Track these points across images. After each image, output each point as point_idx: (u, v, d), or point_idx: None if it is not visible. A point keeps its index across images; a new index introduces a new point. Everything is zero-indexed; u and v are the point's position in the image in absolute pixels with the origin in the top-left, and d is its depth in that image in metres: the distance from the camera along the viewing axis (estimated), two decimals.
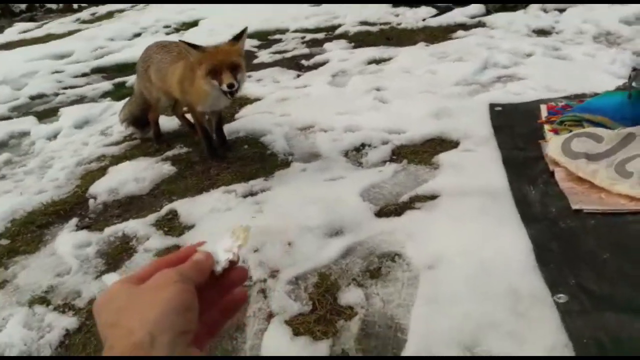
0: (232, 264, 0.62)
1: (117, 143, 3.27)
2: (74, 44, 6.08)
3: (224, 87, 2.38)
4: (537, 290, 1.61)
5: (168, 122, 3.34)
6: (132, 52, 5.42)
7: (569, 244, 1.78)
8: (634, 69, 2.46)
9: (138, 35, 6.28)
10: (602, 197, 1.98)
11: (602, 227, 1.83)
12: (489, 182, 2.21)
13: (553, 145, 2.27)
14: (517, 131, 2.59)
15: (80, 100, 4.34)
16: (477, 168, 2.33)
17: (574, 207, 1.95)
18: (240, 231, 0.66)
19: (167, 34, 6.23)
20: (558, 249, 1.76)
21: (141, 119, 3.17)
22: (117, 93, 4.34)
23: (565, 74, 3.23)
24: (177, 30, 6.37)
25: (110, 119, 3.70)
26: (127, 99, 3.38)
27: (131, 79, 4.59)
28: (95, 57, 5.48)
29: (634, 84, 2.46)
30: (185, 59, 2.59)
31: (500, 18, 4.72)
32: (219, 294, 0.62)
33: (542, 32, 4.27)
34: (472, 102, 3.04)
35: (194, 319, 0.53)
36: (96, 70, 5.10)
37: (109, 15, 8.25)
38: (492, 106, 2.91)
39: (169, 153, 3.00)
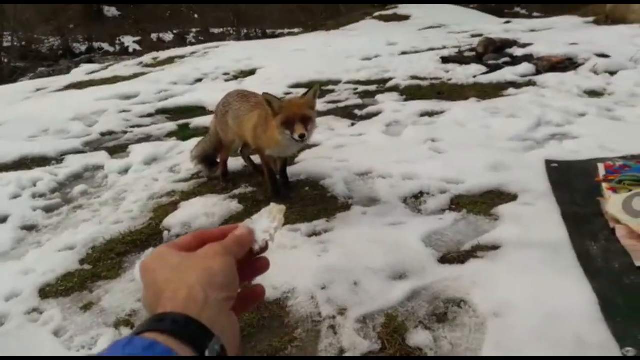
0: (267, 244, 0.69)
1: (185, 180, 3.49)
2: (139, 86, 6.53)
3: (296, 136, 2.59)
4: (604, 342, 1.66)
5: (233, 163, 3.55)
6: (194, 96, 5.82)
7: (635, 298, 1.82)
8: None
9: (199, 80, 6.70)
10: None
11: None
12: (550, 235, 2.28)
13: (613, 204, 2.34)
14: (575, 187, 2.67)
15: (147, 138, 4.64)
16: (537, 221, 2.41)
17: (638, 264, 1.99)
18: (276, 211, 0.71)
19: (227, 80, 6.62)
20: (624, 304, 1.81)
21: (211, 158, 3.40)
22: (182, 133, 4.64)
23: (621, 135, 3.31)
24: (235, 77, 6.76)
25: (177, 157, 3.96)
26: (198, 138, 3.64)
27: (194, 121, 4.91)
28: (159, 99, 5.87)
29: None
30: (261, 108, 2.81)
31: (550, 78, 4.86)
32: (243, 276, 0.68)
33: (593, 93, 4.37)
34: (528, 157, 3.14)
35: (235, 288, 0.62)
36: (161, 111, 5.47)
37: (170, 60, 8.81)
38: (548, 162, 3.00)
39: (236, 192, 3.18)
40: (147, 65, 8.70)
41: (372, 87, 5.58)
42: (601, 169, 2.77)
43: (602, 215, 2.38)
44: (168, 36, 22.40)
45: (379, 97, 5.11)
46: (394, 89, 5.38)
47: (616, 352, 1.62)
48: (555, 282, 1.97)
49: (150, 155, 4.04)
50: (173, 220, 2.87)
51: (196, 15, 24.11)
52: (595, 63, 5.02)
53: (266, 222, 0.70)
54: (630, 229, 2.20)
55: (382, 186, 3.02)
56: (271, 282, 2.18)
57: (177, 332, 0.53)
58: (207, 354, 0.53)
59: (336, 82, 5.99)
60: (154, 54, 9.71)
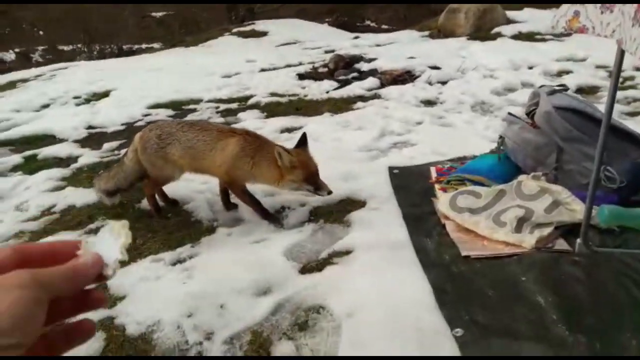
0: (121, 264, 0.60)
1: (35, 218, 3.26)
2: None
3: (324, 193, 2.78)
4: (438, 326, 1.93)
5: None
6: (41, 123, 5.40)
7: (461, 284, 2.14)
8: (501, 137, 3.00)
9: (46, 106, 6.22)
10: (484, 244, 2.40)
11: (486, 268, 2.22)
12: (394, 235, 2.56)
13: (442, 202, 2.70)
14: (413, 190, 3.02)
15: None
16: (383, 223, 2.69)
17: (463, 253, 2.34)
18: (119, 227, 0.62)
19: (77, 105, 6.23)
20: (452, 290, 2.11)
21: (119, 190, 3.17)
22: (29, 166, 4.29)
23: (449, 140, 3.79)
24: (87, 100, 6.39)
25: (24, 193, 3.67)
26: (48, 170, 3.39)
27: (43, 151, 4.56)
28: None
29: (502, 147, 3.01)
30: (237, 137, 2.79)
31: (392, 90, 5.37)
32: (75, 308, 0.57)
33: (428, 103, 4.93)
34: (374, 165, 3.47)
35: (30, 333, 0.48)
36: (2, 143, 4.98)
37: (11, 85, 8.02)
38: (390, 169, 3.34)
39: (92, 226, 3.05)
40: None
41: (234, 105, 5.67)
42: (433, 172, 3.16)
43: (435, 214, 2.73)
44: (9, 55, 20.21)
45: (241, 114, 5.21)
46: (255, 106, 5.53)
47: (448, 334, 1.89)
48: (397, 277, 2.22)
49: None
50: None
51: (41, 32, 22.16)
52: (429, 75, 5.65)
53: (110, 240, 0.61)
54: (457, 223, 2.56)
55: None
56: (134, 318, 2.16)
57: None
58: None
59: (197, 101, 5.97)
60: None
